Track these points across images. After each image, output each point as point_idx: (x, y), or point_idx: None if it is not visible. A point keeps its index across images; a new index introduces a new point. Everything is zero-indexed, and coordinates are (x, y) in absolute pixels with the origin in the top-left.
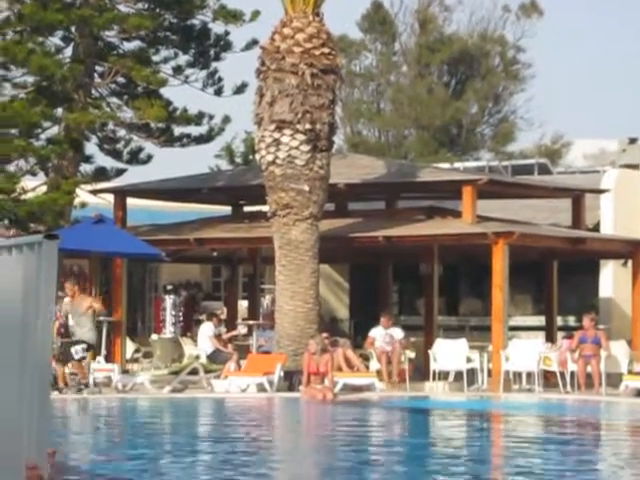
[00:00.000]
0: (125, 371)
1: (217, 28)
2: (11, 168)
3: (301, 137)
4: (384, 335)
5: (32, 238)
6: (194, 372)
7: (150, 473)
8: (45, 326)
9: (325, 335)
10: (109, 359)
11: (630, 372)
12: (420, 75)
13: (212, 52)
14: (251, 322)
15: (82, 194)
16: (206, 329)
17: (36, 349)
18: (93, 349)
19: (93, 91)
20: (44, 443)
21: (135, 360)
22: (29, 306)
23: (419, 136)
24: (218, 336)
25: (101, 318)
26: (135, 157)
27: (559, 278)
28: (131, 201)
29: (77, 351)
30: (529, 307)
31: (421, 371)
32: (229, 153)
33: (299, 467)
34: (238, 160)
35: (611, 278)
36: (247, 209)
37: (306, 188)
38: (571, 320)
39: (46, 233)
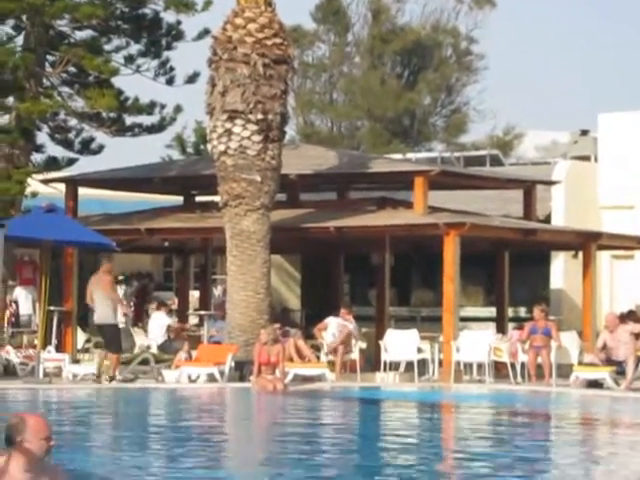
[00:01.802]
0: (76, 361)
1: (169, 17)
2: None
3: (253, 127)
4: (338, 324)
5: None
6: (145, 362)
7: (95, 463)
8: None
9: (276, 325)
10: (60, 349)
11: (580, 363)
12: (373, 66)
13: (164, 41)
14: (202, 312)
15: (33, 184)
16: (159, 318)
17: None
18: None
19: (44, 80)
20: None
21: (86, 350)
22: None
23: (371, 127)
24: (168, 326)
25: (52, 308)
26: (87, 147)
27: (510, 269)
28: (82, 191)
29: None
30: (480, 298)
31: (372, 362)
32: (180, 143)
33: (246, 457)
34: (189, 150)
35: (562, 269)
36: (199, 199)
37: (258, 178)
38: (522, 311)
39: None
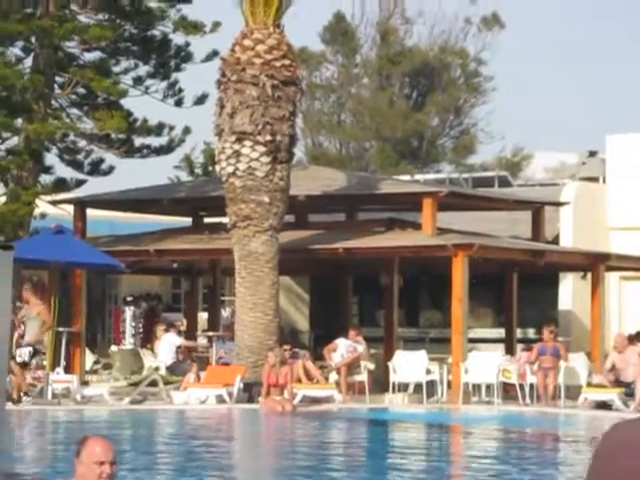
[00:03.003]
0: (84, 382)
1: (178, 39)
2: None
3: (261, 149)
4: (348, 346)
5: None
6: (153, 384)
7: None
8: (1, 336)
9: (285, 347)
10: (68, 370)
11: (589, 384)
12: (381, 87)
13: (172, 63)
14: (211, 334)
15: (42, 205)
16: (171, 338)
17: None
18: (39, 355)
19: (53, 102)
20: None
21: (94, 371)
22: None
23: (380, 148)
24: (178, 347)
25: (60, 329)
26: (97, 168)
27: (519, 290)
28: (91, 212)
29: (21, 354)
30: (489, 319)
31: (380, 383)
32: (189, 164)
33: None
34: (198, 171)
35: (570, 291)
36: (207, 220)
37: (266, 200)
38: (530, 332)
39: (1, 244)
